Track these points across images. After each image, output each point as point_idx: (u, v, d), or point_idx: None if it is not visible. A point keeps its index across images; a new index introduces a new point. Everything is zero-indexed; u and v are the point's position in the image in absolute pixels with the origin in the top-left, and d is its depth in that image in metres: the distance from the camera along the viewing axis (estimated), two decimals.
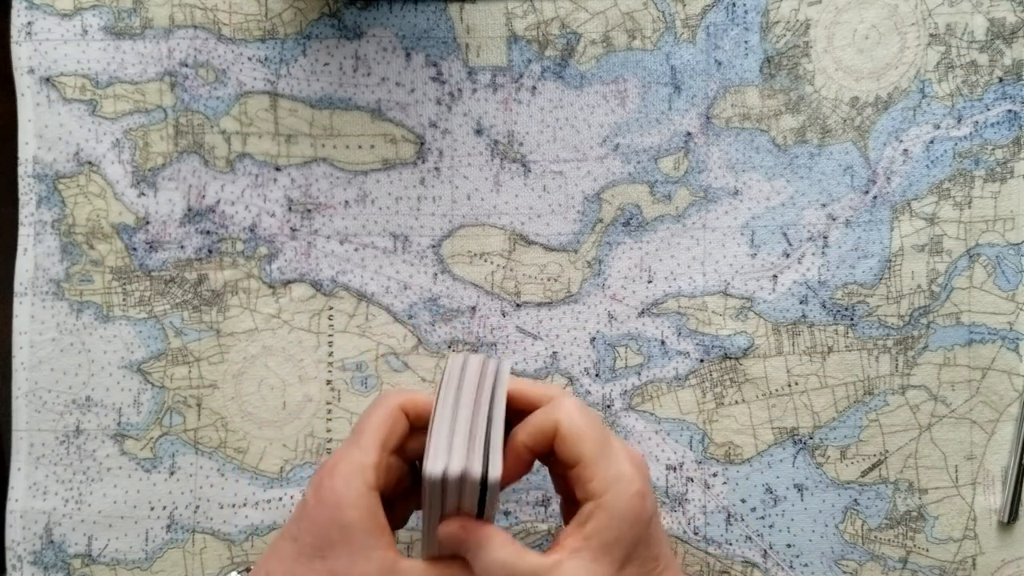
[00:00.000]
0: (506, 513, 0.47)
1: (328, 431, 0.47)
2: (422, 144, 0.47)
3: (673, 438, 0.47)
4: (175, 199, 0.47)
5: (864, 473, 0.46)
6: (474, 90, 0.47)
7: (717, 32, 0.47)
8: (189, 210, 0.47)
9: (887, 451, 0.46)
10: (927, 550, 0.46)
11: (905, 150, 0.46)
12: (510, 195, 0.47)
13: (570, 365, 0.47)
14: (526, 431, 0.37)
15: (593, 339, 0.47)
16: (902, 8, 0.46)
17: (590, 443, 0.35)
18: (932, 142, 0.46)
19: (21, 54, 0.47)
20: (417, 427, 0.38)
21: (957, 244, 0.46)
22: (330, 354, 0.47)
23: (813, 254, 0.47)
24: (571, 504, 0.37)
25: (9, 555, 0.47)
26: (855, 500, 0.46)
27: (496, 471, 0.34)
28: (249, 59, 0.47)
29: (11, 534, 0.47)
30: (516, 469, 0.37)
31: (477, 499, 0.35)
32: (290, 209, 0.47)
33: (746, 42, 0.47)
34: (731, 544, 0.46)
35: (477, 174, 0.47)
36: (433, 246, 0.47)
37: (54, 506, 0.47)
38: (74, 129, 0.47)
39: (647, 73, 0.47)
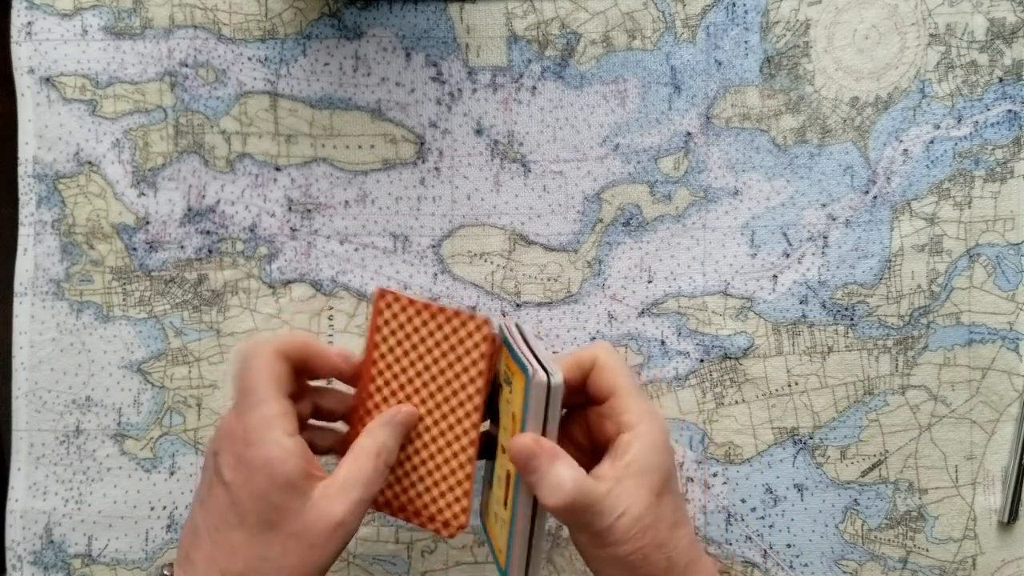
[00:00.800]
0: None
1: None
2: (422, 144, 0.47)
3: (673, 438, 0.47)
4: (175, 199, 0.47)
5: (864, 473, 0.46)
6: (474, 90, 0.47)
7: (717, 32, 0.47)
8: (189, 210, 0.47)
9: (887, 451, 0.46)
10: (927, 550, 0.46)
11: (905, 150, 0.46)
12: (510, 195, 0.47)
13: None
14: (564, 362, 0.38)
15: (593, 339, 0.47)
16: (902, 8, 0.46)
17: (624, 377, 0.37)
18: (932, 142, 0.46)
19: (21, 54, 0.47)
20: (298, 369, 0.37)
21: (957, 244, 0.46)
22: None
23: (813, 254, 0.47)
24: (583, 454, 0.39)
25: (9, 555, 0.47)
26: (855, 500, 0.46)
27: (558, 377, 0.35)
28: (249, 59, 0.47)
29: (11, 534, 0.47)
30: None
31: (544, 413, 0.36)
32: (290, 209, 0.47)
33: (746, 42, 0.47)
34: (731, 544, 0.46)
35: (477, 174, 0.47)
36: (433, 246, 0.47)
37: (54, 506, 0.47)
38: (74, 129, 0.47)
39: (647, 73, 0.47)
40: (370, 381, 0.39)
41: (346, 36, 0.47)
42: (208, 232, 0.47)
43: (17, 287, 0.47)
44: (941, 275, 0.46)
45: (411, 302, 0.38)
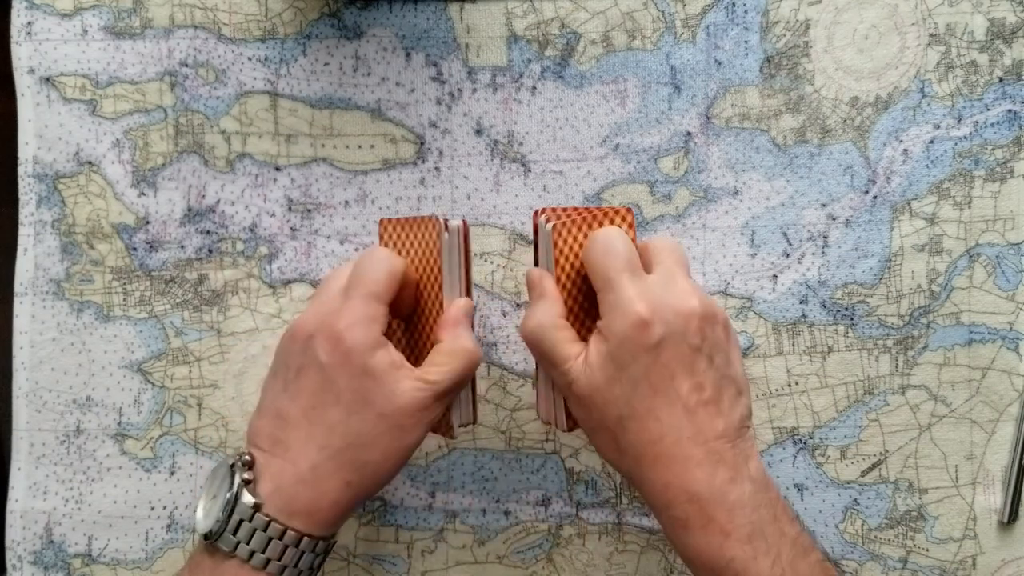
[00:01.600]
0: (506, 513, 0.47)
1: None
2: (422, 144, 0.47)
3: None
4: (175, 199, 0.47)
5: (864, 473, 0.46)
6: (474, 90, 0.47)
7: (717, 32, 0.47)
8: (189, 210, 0.47)
9: (887, 451, 0.46)
10: (927, 550, 0.46)
11: (905, 150, 0.46)
12: (510, 195, 0.47)
13: None
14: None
15: None
16: (902, 8, 0.46)
17: (598, 276, 0.38)
18: (932, 142, 0.46)
19: (21, 54, 0.47)
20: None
21: (957, 244, 0.46)
22: None
23: (813, 254, 0.47)
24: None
25: (9, 555, 0.47)
26: (855, 500, 0.46)
27: (548, 227, 0.39)
28: (249, 59, 0.47)
29: (11, 534, 0.47)
30: None
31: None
32: (290, 209, 0.47)
33: (746, 42, 0.47)
34: None
35: (477, 174, 0.47)
36: None
37: (54, 506, 0.47)
38: (74, 129, 0.47)
39: (647, 73, 0.47)
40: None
41: (346, 36, 0.47)
42: (208, 232, 0.47)
43: (17, 287, 0.47)
44: (941, 275, 0.46)
45: (391, 221, 0.42)
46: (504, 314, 0.47)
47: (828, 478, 0.46)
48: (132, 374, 0.47)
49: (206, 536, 0.36)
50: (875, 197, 0.46)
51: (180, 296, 0.47)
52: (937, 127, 0.46)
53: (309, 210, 0.47)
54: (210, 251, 0.47)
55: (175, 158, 0.47)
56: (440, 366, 0.38)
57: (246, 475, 0.37)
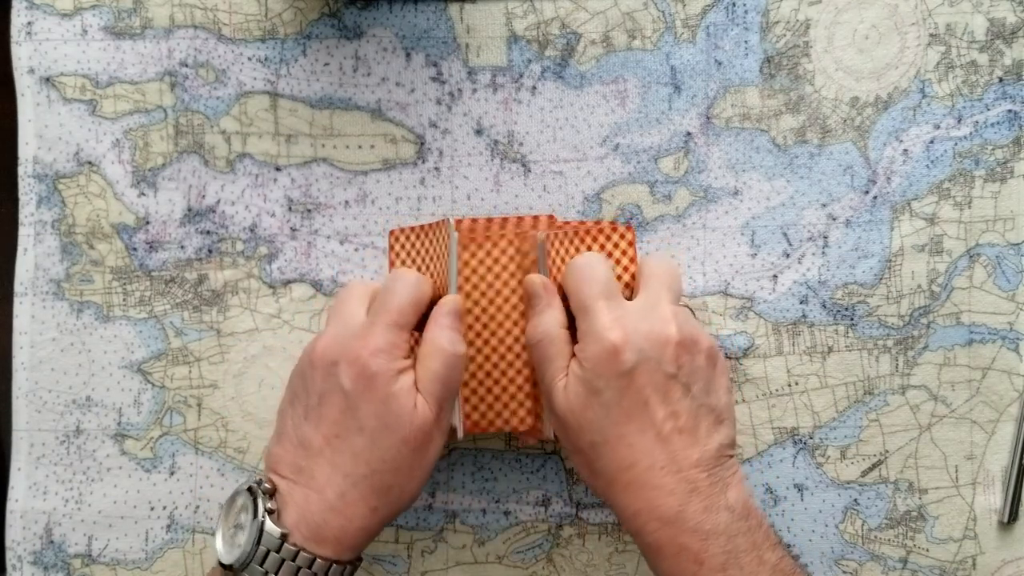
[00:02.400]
0: (506, 513, 0.47)
1: None
2: (422, 144, 0.47)
3: None
4: (175, 199, 0.47)
5: (864, 473, 0.46)
6: (474, 90, 0.47)
7: (717, 32, 0.47)
8: (189, 210, 0.47)
9: (887, 451, 0.46)
10: (927, 550, 0.46)
11: (905, 150, 0.46)
12: (510, 195, 0.47)
13: None
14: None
15: None
16: (902, 8, 0.46)
17: (575, 301, 0.39)
18: (932, 142, 0.46)
19: (21, 54, 0.47)
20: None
21: (957, 244, 0.46)
22: None
23: (813, 254, 0.47)
24: None
25: (9, 555, 0.47)
26: (855, 500, 0.46)
27: (541, 235, 0.41)
28: (249, 59, 0.47)
29: (11, 534, 0.47)
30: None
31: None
32: (290, 209, 0.47)
33: (746, 42, 0.47)
34: None
35: (477, 174, 0.47)
36: None
37: (54, 506, 0.47)
38: (74, 129, 0.47)
39: (647, 73, 0.47)
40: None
41: (346, 36, 0.47)
42: (208, 232, 0.47)
43: (17, 287, 0.47)
44: (941, 275, 0.46)
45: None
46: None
47: (828, 478, 0.46)
48: (132, 374, 0.47)
49: (230, 567, 0.36)
50: (875, 197, 0.46)
51: (180, 296, 0.47)
52: (937, 127, 0.46)
53: (309, 210, 0.47)
54: (210, 251, 0.47)
55: (175, 158, 0.47)
56: (422, 372, 0.38)
57: (269, 504, 0.37)
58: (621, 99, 0.47)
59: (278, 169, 0.47)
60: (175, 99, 0.47)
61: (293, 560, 0.36)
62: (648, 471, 0.36)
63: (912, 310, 0.46)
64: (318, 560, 0.36)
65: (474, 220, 0.45)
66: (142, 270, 0.47)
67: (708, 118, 0.47)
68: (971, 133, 0.46)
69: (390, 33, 0.47)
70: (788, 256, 0.47)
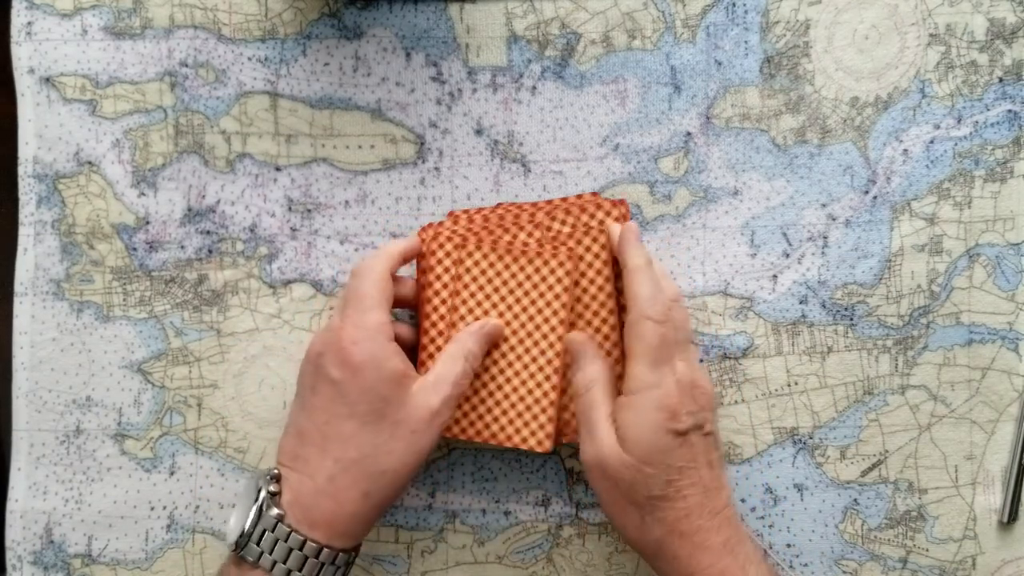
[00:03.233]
0: (506, 513, 0.47)
1: None
2: (422, 144, 0.47)
3: None
4: (175, 199, 0.47)
5: (864, 473, 0.46)
6: (474, 90, 0.47)
7: (717, 32, 0.47)
8: (189, 210, 0.47)
9: (887, 451, 0.46)
10: (927, 550, 0.46)
11: (905, 150, 0.46)
12: (510, 195, 0.47)
13: None
14: (635, 287, 0.40)
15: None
16: (902, 8, 0.46)
17: (645, 345, 0.39)
18: (932, 142, 0.46)
19: (21, 54, 0.47)
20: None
21: (957, 244, 0.46)
22: None
23: (813, 254, 0.47)
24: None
25: (9, 555, 0.47)
26: (855, 500, 0.46)
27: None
28: (249, 59, 0.47)
29: (11, 534, 0.47)
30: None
31: None
32: (290, 209, 0.47)
33: (746, 42, 0.47)
34: None
35: (477, 174, 0.47)
36: None
37: (54, 506, 0.47)
38: (74, 129, 0.47)
39: (647, 73, 0.47)
40: (447, 307, 0.43)
41: (346, 36, 0.47)
42: (208, 232, 0.47)
43: (17, 287, 0.47)
44: (941, 275, 0.46)
45: (492, 247, 0.43)
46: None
47: (828, 478, 0.46)
48: (132, 374, 0.47)
49: (235, 546, 0.38)
50: (875, 197, 0.46)
51: (180, 296, 0.47)
52: (937, 127, 0.46)
53: (309, 210, 0.47)
54: (210, 251, 0.47)
55: (175, 158, 0.47)
56: (450, 380, 0.40)
57: (272, 488, 0.38)
58: (621, 99, 0.47)
59: (278, 169, 0.47)
60: (175, 99, 0.47)
61: (286, 540, 0.37)
62: (699, 518, 0.38)
63: (912, 310, 0.46)
64: (309, 542, 0.37)
65: (471, 220, 0.45)
66: (142, 270, 0.47)
67: (708, 118, 0.47)
68: (971, 133, 0.46)
69: (390, 33, 0.47)
70: (788, 256, 0.47)
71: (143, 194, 0.47)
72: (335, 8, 0.47)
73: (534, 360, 0.42)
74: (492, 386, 0.43)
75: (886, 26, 0.46)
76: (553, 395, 0.42)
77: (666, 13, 0.47)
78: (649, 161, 0.47)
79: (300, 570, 0.37)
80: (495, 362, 0.43)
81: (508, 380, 0.43)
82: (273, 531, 0.37)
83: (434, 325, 0.43)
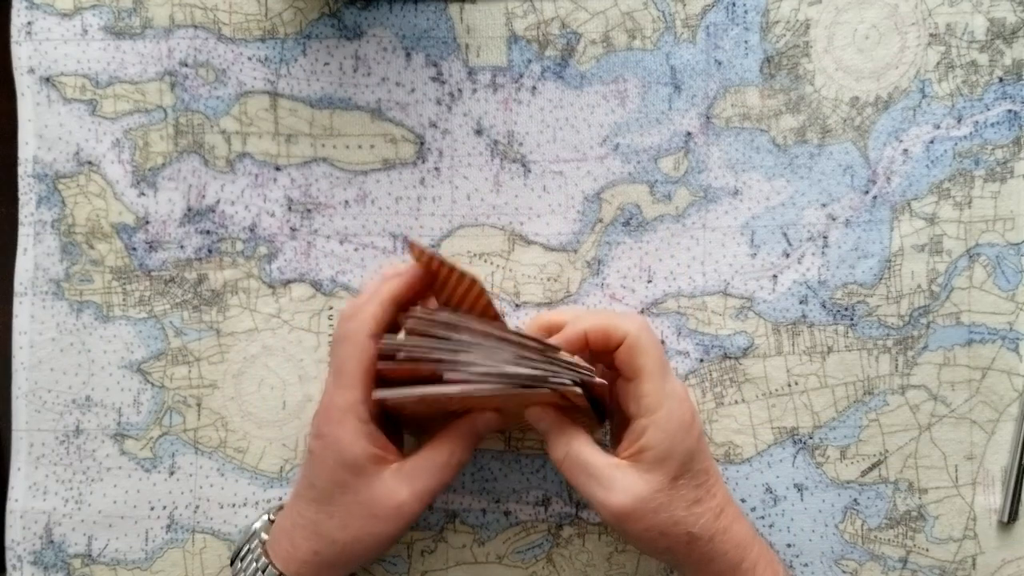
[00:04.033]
0: (506, 513, 0.47)
1: None
2: (422, 144, 0.47)
3: None
4: (175, 199, 0.47)
5: (864, 473, 0.46)
6: (474, 90, 0.47)
7: (717, 32, 0.47)
8: (189, 210, 0.47)
9: (887, 451, 0.46)
10: (927, 550, 0.46)
11: (905, 150, 0.46)
12: (510, 195, 0.47)
13: None
14: (592, 322, 0.39)
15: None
16: (902, 8, 0.46)
17: (650, 358, 0.38)
18: (932, 142, 0.46)
19: (21, 54, 0.47)
20: (402, 308, 0.39)
21: (957, 244, 0.46)
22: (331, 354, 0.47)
23: (813, 254, 0.47)
24: (621, 418, 0.40)
25: (9, 555, 0.47)
26: (855, 500, 0.46)
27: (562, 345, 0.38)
28: (249, 59, 0.47)
29: (11, 534, 0.47)
30: (571, 349, 0.39)
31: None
32: (290, 209, 0.47)
33: (746, 42, 0.47)
34: None
35: (477, 174, 0.47)
36: (433, 246, 0.47)
37: (54, 506, 0.47)
38: (74, 129, 0.47)
39: (647, 73, 0.47)
40: None
41: (346, 36, 0.47)
42: (208, 232, 0.47)
43: (17, 287, 0.47)
44: (941, 275, 0.46)
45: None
46: (503, 315, 0.47)
47: (828, 478, 0.46)
48: (132, 374, 0.47)
49: (231, 558, 0.43)
50: (875, 197, 0.46)
51: (180, 296, 0.47)
52: (937, 127, 0.46)
53: (309, 210, 0.47)
54: (210, 251, 0.47)
55: (175, 158, 0.47)
56: (427, 473, 0.39)
57: (273, 516, 0.43)
58: (621, 99, 0.47)
59: (278, 169, 0.47)
60: (175, 99, 0.47)
61: (256, 561, 0.40)
62: (729, 508, 0.39)
63: (912, 310, 0.46)
64: (271, 568, 0.40)
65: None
66: (142, 270, 0.47)
67: (708, 118, 0.47)
68: (971, 133, 0.46)
69: (390, 33, 0.47)
70: (788, 256, 0.47)
71: (143, 194, 0.47)
72: (335, 8, 0.47)
73: None
74: None
75: (886, 26, 0.46)
76: None
77: (666, 13, 0.47)
78: (649, 161, 0.47)
79: None
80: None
81: None
82: (251, 548, 0.41)
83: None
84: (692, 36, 0.47)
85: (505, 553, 0.47)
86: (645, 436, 0.37)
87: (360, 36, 0.47)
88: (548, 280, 0.47)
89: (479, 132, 0.47)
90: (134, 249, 0.47)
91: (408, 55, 0.47)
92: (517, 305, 0.47)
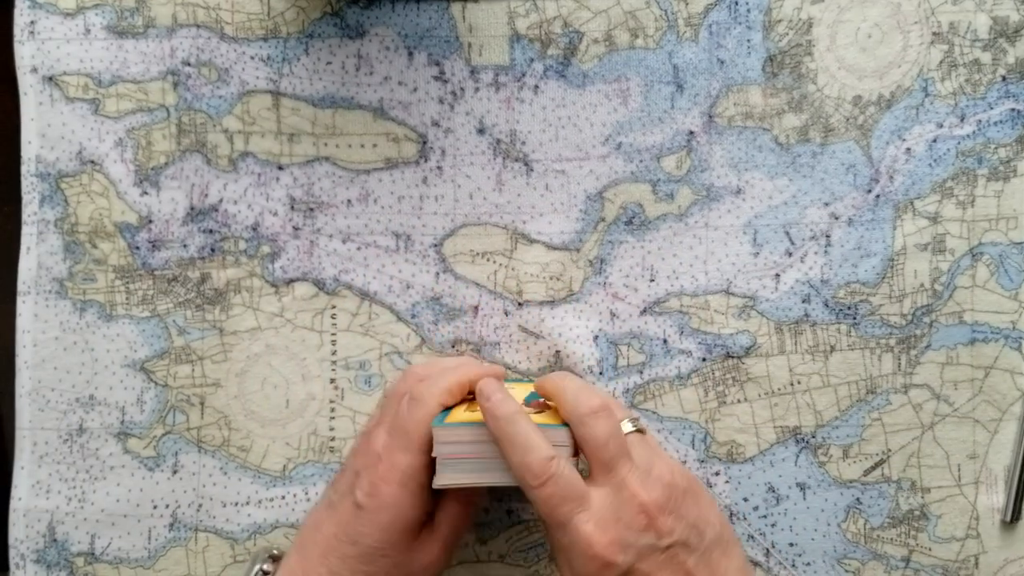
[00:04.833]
0: (508, 512, 0.47)
1: (331, 429, 0.47)
2: (424, 143, 0.47)
3: (675, 437, 0.47)
4: (178, 198, 0.47)
5: (866, 472, 0.46)
6: (476, 89, 0.47)
7: (720, 31, 0.46)
8: (192, 209, 0.47)
9: (889, 450, 0.46)
10: (929, 549, 0.46)
11: (908, 149, 0.46)
12: (512, 194, 0.47)
13: (573, 364, 0.47)
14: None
15: (596, 337, 0.47)
16: (905, 7, 0.46)
17: (593, 460, 0.38)
18: (935, 141, 0.46)
19: (24, 53, 0.47)
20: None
21: (960, 243, 0.46)
22: (333, 353, 0.47)
23: (816, 253, 0.47)
24: None
25: (12, 553, 0.47)
26: (857, 499, 0.46)
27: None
28: (252, 58, 0.47)
29: (14, 532, 0.47)
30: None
31: None
32: (292, 208, 0.47)
33: (749, 41, 0.47)
34: None
35: (479, 173, 0.47)
36: (435, 245, 0.47)
37: (57, 504, 0.47)
38: (77, 128, 0.47)
39: (649, 72, 0.47)
40: None
41: (348, 35, 0.47)
42: (211, 231, 0.47)
43: (20, 286, 0.47)
44: (944, 274, 0.46)
45: None
46: (506, 313, 0.47)
47: (830, 477, 0.46)
48: (135, 373, 0.47)
49: None
50: (878, 196, 0.46)
51: (183, 295, 0.47)
52: (940, 126, 0.46)
53: (311, 209, 0.47)
54: (212, 250, 0.47)
55: (178, 157, 0.47)
56: (449, 523, 0.40)
57: (266, 566, 0.44)
58: (623, 98, 0.47)
59: (280, 168, 0.47)
60: (177, 98, 0.47)
61: None
62: None
63: (915, 309, 0.46)
64: None
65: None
66: (145, 269, 0.47)
67: (711, 117, 0.47)
68: (974, 132, 0.46)
69: (392, 32, 0.47)
70: (790, 255, 0.47)
71: (146, 193, 0.47)
72: (337, 7, 0.47)
73: None
74: None
75: (889, 24, 0.46)
76: None
77: (668, 12, 0.47)
78: (651, 160, 0.47)
79: None
80: None
81: None
82: None
83: None
84: (694, 35, 0.47)
85: (507, 552, 0.47)
86: (565, 541, 0.36)
87: (362, 35, 0.47)
88: (550, 279, 0.47)
89: (481, 131, 0.47)
90: (137, 248, 0.47)
91: (410, 54, 0.47)
92: (520, 304, 0.47)
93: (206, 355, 0.47)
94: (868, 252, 0.46)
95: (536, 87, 0.47)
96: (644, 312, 0.47)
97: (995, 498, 0.46)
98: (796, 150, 0.47)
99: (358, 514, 0.38)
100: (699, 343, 0.47)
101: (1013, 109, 0.46)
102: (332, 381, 0.47)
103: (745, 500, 0.46)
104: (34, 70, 0.47)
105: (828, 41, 0.46)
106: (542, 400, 0.42)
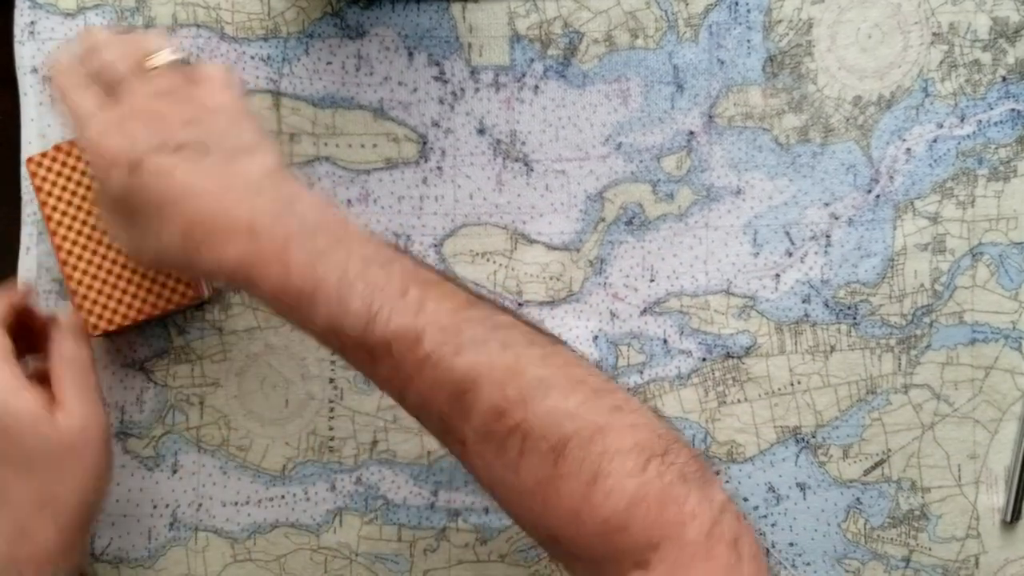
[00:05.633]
0: None
1: (331, 429, 0.47)
2: (424, 143, 0.47)
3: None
4: None
5: (866, 472, 0.46)
6: (476, 89, 0.47)
7: (720, 31, 0.47)
8: None
9: (890, 450, 0.46)
10: (930, 549, 0.46)
11: (908, 149, 0.46)
12: (512, 194, 0.47)
13: None
14: None
15: (595, 337, 0.47)
16: (905, 7, 0.46)
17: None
18: (935, 141, 0.46)
19: (24, 53, 0.47)
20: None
21: (960, 243, 0.46)
22: (333, 352, 0.47)
23: (816, 253, 0.47)
24: None
25: None
26: (857, 499, 0.46)
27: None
28: (252, 58, 0.47)
29: None
30: None
31: None
32: None
33: (749, 41, 0.47)
34: None
35: (479, 173, 0.47)
36: (435, 245, 0.47)
37: None
38: None
39: (650, 72, 0.47)
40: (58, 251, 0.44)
41: (348, 35, 0.47)
42: None
43: (20, 286, 0.47)
44: (944, 274, 0.46)
45: (56, 148, 0.44)
46: None
47: (830, 477, 0.46)
48: (134, 372, 0.47)
49: None
50: (878, 196, 0.46)
51: None
52: (940, 126, 0.46)
53: None
54: None
55: None
56: (69, 387, 0.40)
57: None
58: (624, 98, 0.47)
59: None
60: None
61: None
62: (213, 219, 0.34)
63: (915, 309, 0.46)
64: None
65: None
66: None
67: (711, 117, 0.47)
68: (974, 132, 0.46)
69: (392, 32, 0.47)
70: (791, 255, 0.47)
71: None
72: (337, 7, 0.47)
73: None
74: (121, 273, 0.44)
75: (889, 25, 0.46)
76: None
77: (668, 12, 0.47)
78: (651, 160, 0.47)
79: None
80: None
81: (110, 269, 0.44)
82: None
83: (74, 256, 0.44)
84: (695, 35, 0.47)
85: (507, 552, 0.47)
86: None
87: (362, 35, 0.47)
88: (551, 279, 0.47)
89: (481, 131, 0.47)
90: None
91: (410, 54, 0.47)
92: (520, 304, 0.47)
93: (206, 355, 0.47)
94: (868, 252, 0.46)
95: (536, 87, 0.47)
96: (644, 312, 0.47)
97: (995, 498, 0.46)
98: (796, 150, 0.47)
99: None
100: (699, 343, 0.47)
101: (1013, 109, 0.46)
102: (331, 381, 0.47)
103: (745, 500, 0.46)
104: (34, 70, 0.47)
105: (828, 41, 0.46)
106: None
